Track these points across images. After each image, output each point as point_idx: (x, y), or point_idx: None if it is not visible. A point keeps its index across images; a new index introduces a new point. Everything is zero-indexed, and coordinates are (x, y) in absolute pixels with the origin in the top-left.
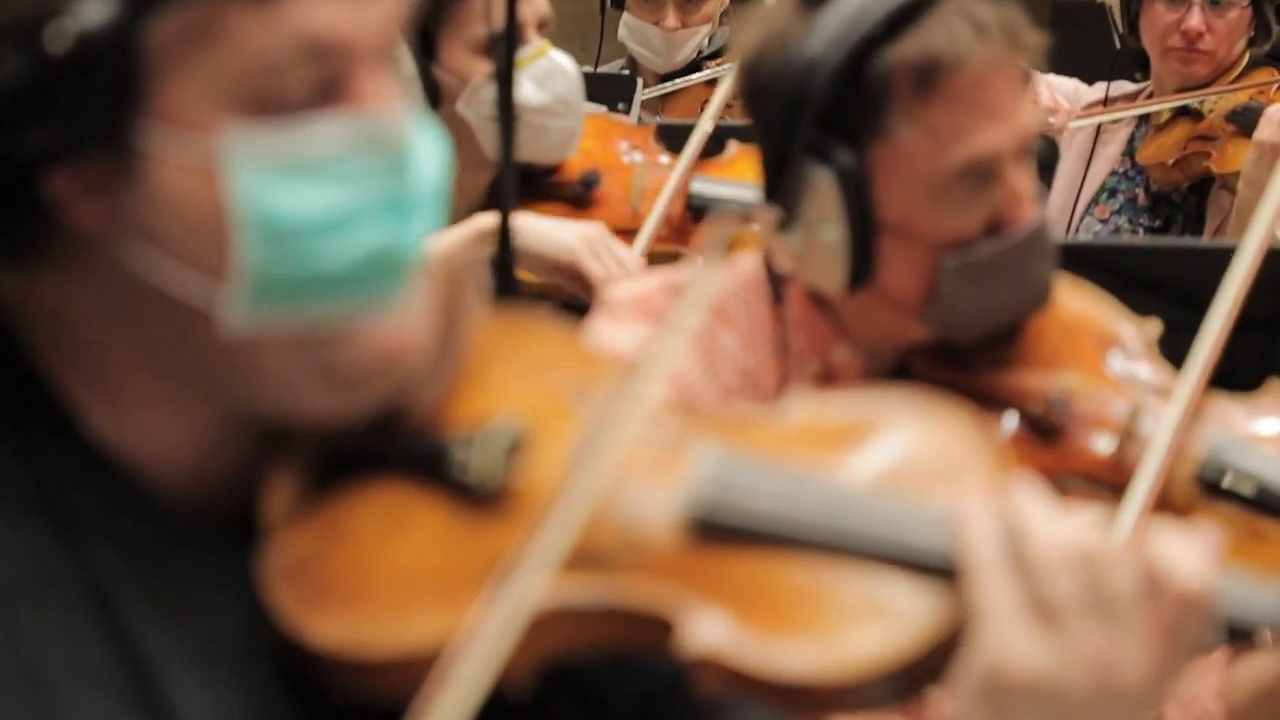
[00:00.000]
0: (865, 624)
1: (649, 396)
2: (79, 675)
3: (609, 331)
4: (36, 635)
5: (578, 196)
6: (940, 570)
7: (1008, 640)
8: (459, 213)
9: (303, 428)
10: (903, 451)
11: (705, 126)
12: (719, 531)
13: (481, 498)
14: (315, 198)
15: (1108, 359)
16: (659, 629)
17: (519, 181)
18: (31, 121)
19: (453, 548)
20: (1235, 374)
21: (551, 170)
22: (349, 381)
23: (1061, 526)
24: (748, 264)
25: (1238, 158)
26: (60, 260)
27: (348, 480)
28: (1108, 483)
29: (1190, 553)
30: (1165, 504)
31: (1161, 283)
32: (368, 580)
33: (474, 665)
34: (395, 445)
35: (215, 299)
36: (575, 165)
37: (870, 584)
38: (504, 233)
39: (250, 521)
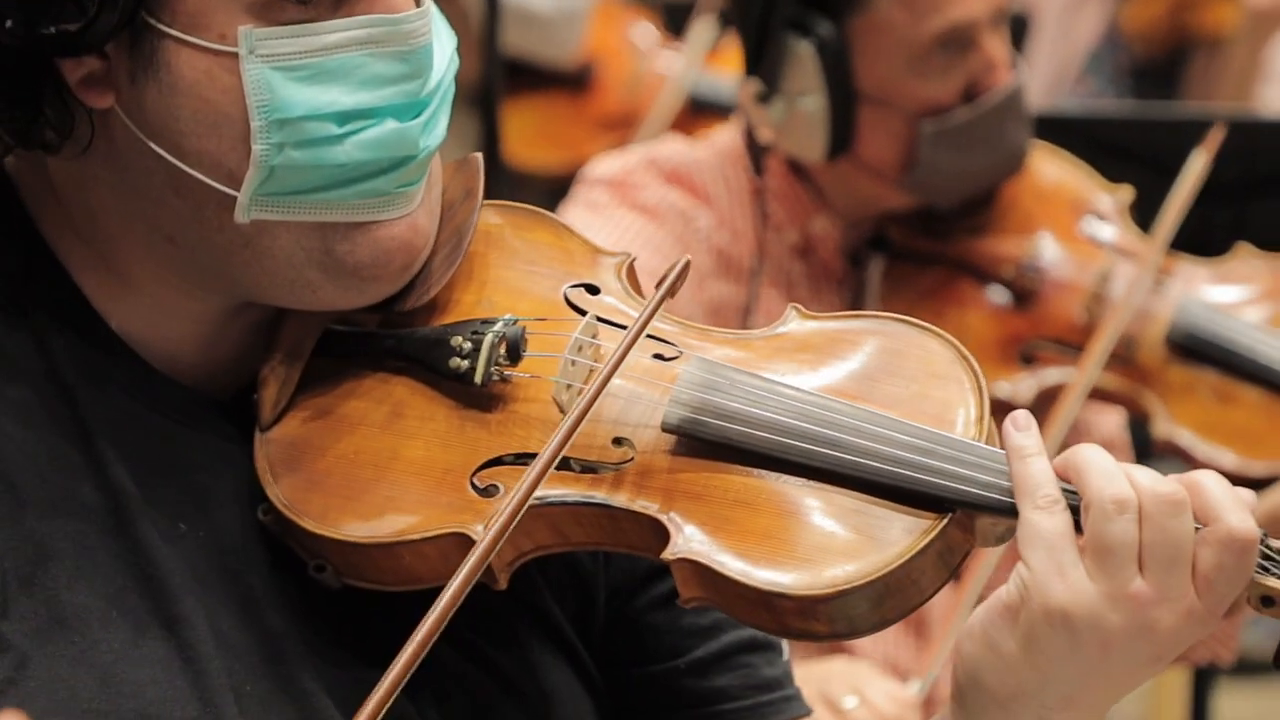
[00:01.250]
0: (842, 538)
1: (646, 308)
2: (81, 555)
3: (586, 219)
4: (45, 523)
5: (575, 82)
6: (918, 493)
7: (1054, 573)
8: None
9: (305, 315)
10: (889, 373)
11: (704, 27)
12: (704, 441)
13: (476, 391)
14: (331, 93)
15: (1080, 225)
16: (641, 531)
17: (518, 71)
18: (55, 11)
19: (447, 439)
20: (1205, 240)
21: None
22: (356, 274)
23: (1117, 474)
24: (726, 137)
25: (1224, 21)
26: (81, 146)
27: (345, 368)
28: (1078, 346)
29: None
30: (1135, 367)
31: (1135, 150)
32: (362, 468)
33: (469, 558)
34: (394, 334)
35: (229, 187)
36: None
37: (849, 499)
38: (490, 126)
39: (254, 403)
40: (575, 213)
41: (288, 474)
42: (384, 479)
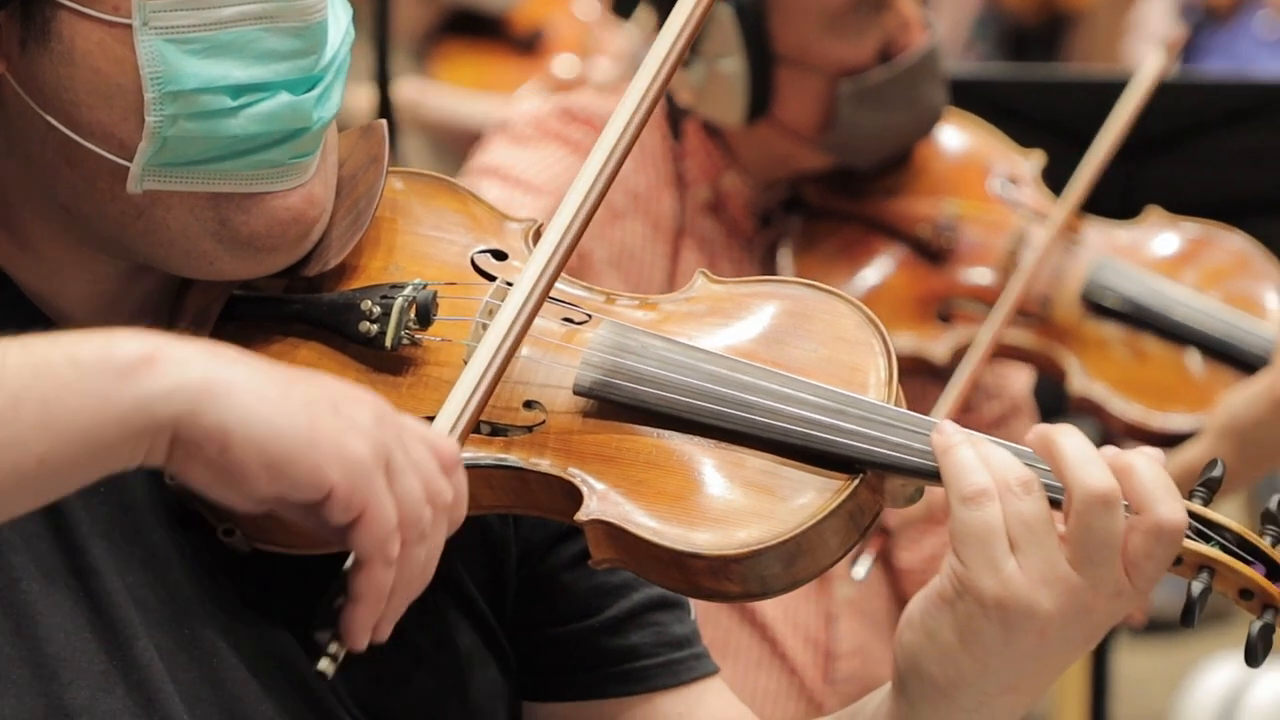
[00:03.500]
0: (754, 499)
1: (552, 269)
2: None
3: (511, 152)
4: None
5: (525, 45)
6: (828, 454)
7: (986, 567)
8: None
9: (209, 282)
10: (798, 336)
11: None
12: (616, 404)
13: (386, 355)
14: (224, 67)
15: (994, 186)
16: (553, 494)
17: (466, 20)
18: None
19: None
20: (1104, 198)
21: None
22: (251, 244)
23: (1015, 461)
24: None
25: None
26: None
27: (252, 334)
28: (993, 305)
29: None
30: (1051, 325)
31: (1038, 115)
32: None
33: None
34: (301, 299)
35: (121, 157)
36: (526, 15)
37: (761, 461)
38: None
39: None
40: (495, 145)
41: None
42: None
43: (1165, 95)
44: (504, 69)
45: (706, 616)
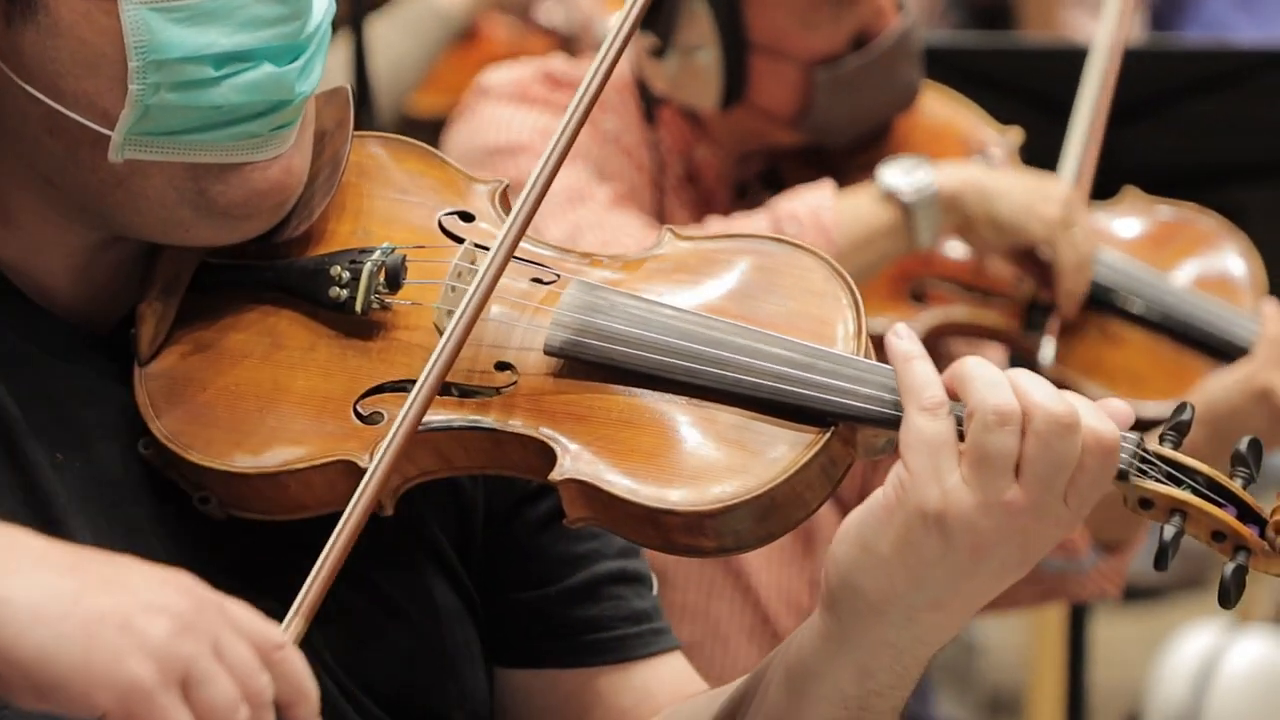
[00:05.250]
0: (726, 454)
1: (522, 231)
2: None
3: (497, 112)
4: None
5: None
6: (800, 408)
7: (931, 476)
8: None
9: (180, 250)
10: (766, 290)
11: None
12: (587, 363)
13: (357, 319)
14: (209, 34)
15: (972, 162)
16: (527, 454)
17: None
18: None
19: (328, 368)
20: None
21: None
22: (228, 214)
23: (1002, 385)
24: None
25: None
26: None
27: (223, 301)
28: (967, 285)
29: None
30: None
31: (1012, 84)
32: (245, 400)
33: (361, 488)
34: (271, 266)
35: (103, 126)
36: None
37: (733, 416)
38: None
39: (131, 339)
40: (483, 109)
41: (170, 408)
42: (268, 410)
43: (1139, 63)
44: (446, 59)
45: (690, 581)
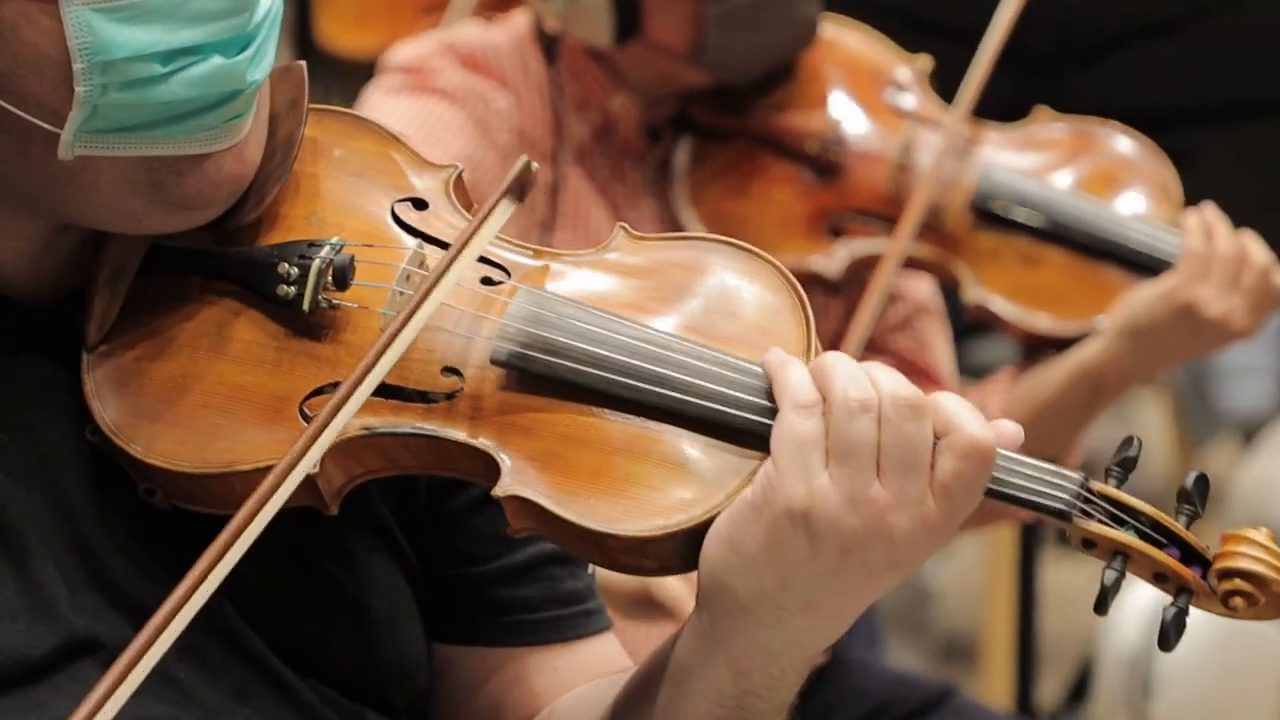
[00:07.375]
0: (671, 477)
1: (475, 237)
2: None
3: (382, 102)
4: None
5: None
6: (744, 427)
7: (799, 474)
8: None
9: (130, 236)
10: (717, 304)
11: None
12: (534, 375)
13: (303, 318)
14: (154, 32)
15: (882, 95)
16: (473, 462)
17: None
18: None
19: (276, 365)
20: (1019, 111)
21: None
22: (182, 205)
23: (861, 377)
24: (524, 21)
25: None
26: None
27: (173, 288)
28: (884, 216)
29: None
30: (943, 234)
31: (931, 18)
32: (190, 393)
33: (278, 485)
34: (222, 253)
35: (52, 125)
36: None
37: (678, 437)
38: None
39: (79, 324)
40: (375, 99)
41: (115, 398)
42: (212, 405)
43: (1092, 7)
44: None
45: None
